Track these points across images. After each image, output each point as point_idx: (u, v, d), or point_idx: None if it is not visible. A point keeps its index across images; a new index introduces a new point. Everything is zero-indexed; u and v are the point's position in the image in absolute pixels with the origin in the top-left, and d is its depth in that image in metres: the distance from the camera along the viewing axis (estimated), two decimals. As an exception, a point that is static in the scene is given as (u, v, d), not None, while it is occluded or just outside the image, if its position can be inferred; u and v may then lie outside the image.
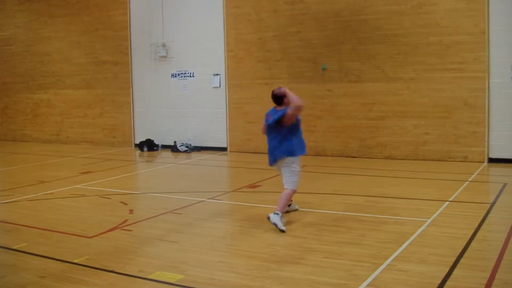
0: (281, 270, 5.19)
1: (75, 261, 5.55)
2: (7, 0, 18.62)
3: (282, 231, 6.49)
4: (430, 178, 10.29)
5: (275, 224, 6.55)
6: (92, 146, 16.86)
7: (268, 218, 6.65)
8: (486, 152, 11.75)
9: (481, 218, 6.95)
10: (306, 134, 13.71)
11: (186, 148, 15.08)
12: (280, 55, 13.89)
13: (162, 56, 15.65)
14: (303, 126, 14.45)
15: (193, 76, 15.33)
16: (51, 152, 15.71)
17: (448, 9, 11.84)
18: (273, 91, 7.08)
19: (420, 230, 6.43)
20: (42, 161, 13.79)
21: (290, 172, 6.87)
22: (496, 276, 4.82)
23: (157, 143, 15.82)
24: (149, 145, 15.64)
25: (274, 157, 6.94)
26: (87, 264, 5.43)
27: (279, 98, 6.99)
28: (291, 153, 6.85)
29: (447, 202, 7.92)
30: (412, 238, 6.11)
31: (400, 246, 5.81)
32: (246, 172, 11.74)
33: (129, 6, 16.15)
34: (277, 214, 6.60)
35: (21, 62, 18.52)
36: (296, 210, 7.55)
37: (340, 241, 6.07)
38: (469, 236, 6.09)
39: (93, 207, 8.28)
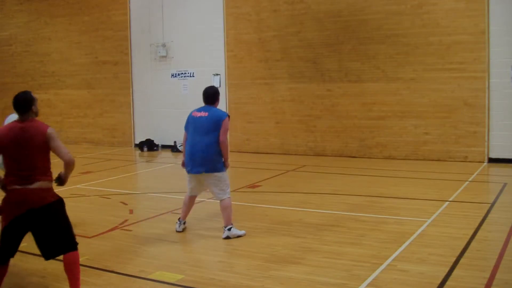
0: (281, 270, 5.19)
1: (75, 261, 5.55)
2: (7, 0, 18.60)
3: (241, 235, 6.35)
4: (430, 178, 10.29)
5: (236, 235, 6.33)
6: (92, 146, 16.84)
7: (228, 237, 6.32)
8: (486, 152, 11.74)
9: (481, 218, 6.95)
10: (306, 134, 13.88)
11: (186, 148, 15.05)
12: (280, 55, 13.88)
13: (162, 56, 15.63)
14: (303, 126, 14.50)
15: (193, 76, 15.32)
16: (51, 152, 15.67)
17: (448, 9, 11.83)
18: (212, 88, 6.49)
19: (420, 230, 6.43)
20: (42, 161, 13.75)
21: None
22: (496, 276, 4.82)
23: (157, 143, 15.82)
24: (149, 145, 15.64)
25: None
26: (87, 264, 5.43)
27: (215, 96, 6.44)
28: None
29: (447, 202, 7.91)
30: (412, 238, 6.11)
31: (400, 246, 5.81)
32: (246, 172, 11.73)
33: (129, 6, 16.13)
34: (230, 228, 6.37)
35: (21, 62, 18.51)
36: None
37: (340, 241, 6.07)
38: (469, 236, 6.09)
39: (93, 207, 8.27)
